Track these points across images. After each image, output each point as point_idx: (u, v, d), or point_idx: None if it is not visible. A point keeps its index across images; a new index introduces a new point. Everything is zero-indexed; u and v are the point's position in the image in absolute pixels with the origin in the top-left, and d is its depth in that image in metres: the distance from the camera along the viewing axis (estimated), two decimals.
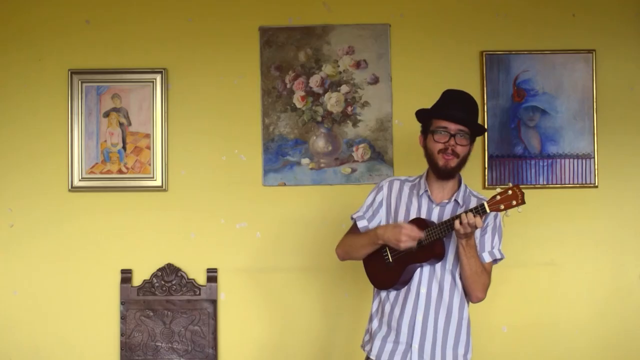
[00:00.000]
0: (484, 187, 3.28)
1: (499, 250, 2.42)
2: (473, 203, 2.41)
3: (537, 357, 3.28)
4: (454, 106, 2.35)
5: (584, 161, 3.30)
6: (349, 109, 3.30)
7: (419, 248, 2.31)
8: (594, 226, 3.31)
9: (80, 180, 3.29)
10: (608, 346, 3.29)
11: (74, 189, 3.29)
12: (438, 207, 2.41)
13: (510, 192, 2.17)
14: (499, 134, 3.30)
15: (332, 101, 3.31)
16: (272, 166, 3.31)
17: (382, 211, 2.49)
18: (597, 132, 3.29)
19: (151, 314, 3.26)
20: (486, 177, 3.28)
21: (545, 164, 3.30)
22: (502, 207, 2.18)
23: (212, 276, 3.27)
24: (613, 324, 3.29)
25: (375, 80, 3.31)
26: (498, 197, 2.18)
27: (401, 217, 2.44)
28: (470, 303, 2.45)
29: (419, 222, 2.34)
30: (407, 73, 3.30)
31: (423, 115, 2.43)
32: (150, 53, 3.31)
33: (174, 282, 3.26)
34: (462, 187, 2.44)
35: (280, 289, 3.30)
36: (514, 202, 2.17)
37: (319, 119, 3.31)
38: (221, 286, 3.29)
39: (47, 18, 3.32)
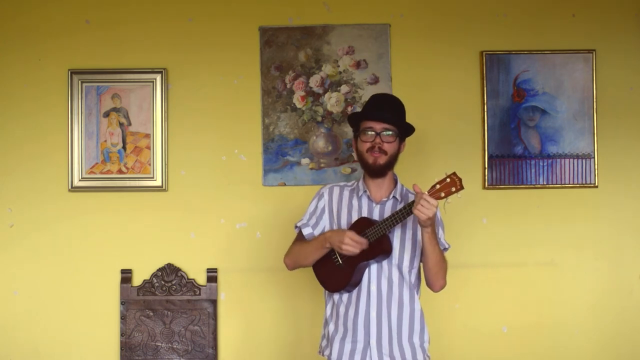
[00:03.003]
0: (484, 187, 3.28)
1: (445, 240, 2.56)
2: (411, 199, 2.49)
3: (537, 357, 3.28)
4: (378, 107, 2.48)
5: (584, 161, 3.30)
6: (349, 109, 3.30)
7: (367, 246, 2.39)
8: (594, 226, 3.31)
9: (80, 180, 3.29)
10: (608, 346, 3.29)
11: (74, 189, 3.29)
12: (378, 206, 2.52)
13: (448, 179, 2.26)
14: (499, 134, 3.30)
15: (332, 101, 3.31)
16: (272, 166, 3.31)
17: (326, 217, 2.59)
18: (597, 132, 3.29)
19: (151, 314, 3.26)
20: (486, 177, 3.28)
21: (545, 164, 3.30)
22: (443, 194, 2.26)
23: (212, 276, 3.27)
24: (613, 324, 3.29)
25: (375, 80, 3.31)
26: (437, 186, 2.27)
27: (344, 219, 2.54)
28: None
29: (364, 221, 2.44)
30: (407, 73, 3.30)
31: (353, 121, 2.56)
32: (150, 53, 3.31)
33: (174, 282, 3.27)
34: (399, 186, 2.57)
35: (280, 289, 3.30)
36: (453, 189, 2.26)
37: (319, 119, 3.31)
38: (221, 286, 3.29)
39: (47, 18, 3.32)
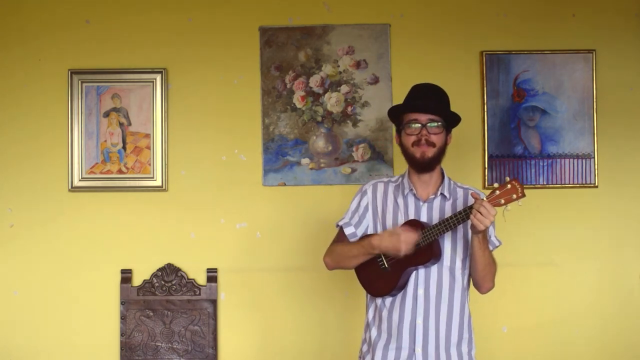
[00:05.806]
0: (484, 187, 3.28)
1: (496, 237, 2.43)
2: (460, 194, 2.39)
3: (537, 357, 3.28)
4: (421, 97, 2.35)
5: (584, 161, 3.30)
6: (349, 109, 3.30)
7: (417, 250, 2.25)
8: (594, 226, 3.31)
9: (80, 180, 3.29)
10: (608, 346, 3.29)
11: (74, 189, 3.29)
12: (425, 204, 2.37)
13: (509, 186, 2.13)
14: (499, 134, 3.30)
15: (332, 101, 3.31)
16: (272, 166, 3.31)
17: (369, 215, 2.44)
18: (597, 132, 3.29)
19: (151, 314, 3.26)
20: (486, 177, 3.28)
21: (545, 164, 3.30)
22: (503, 201, 2.13)
23: (212, 276, 3.27)
24: (613, 324, 3.29)
25: (375, 80, 3.31)
26: (497, 192, 2.14)
27: (389, 220, 2.39)
28: (470, 299, 2.43)
29: (412, 224, 2.30)
30: (407, 73, 3.29)
31: (395, 114, 2.42)
32: (150, 53, 3.31)
33: (174, 282, 3.26)
34: (446, 180, 2.40)
35: (280, 289, 3.30)
36: (514, 196, 2.12)
37: (319, 119, 3.31)
38: (221, 286, 3.29)
39: (47, 18, 3.32)
